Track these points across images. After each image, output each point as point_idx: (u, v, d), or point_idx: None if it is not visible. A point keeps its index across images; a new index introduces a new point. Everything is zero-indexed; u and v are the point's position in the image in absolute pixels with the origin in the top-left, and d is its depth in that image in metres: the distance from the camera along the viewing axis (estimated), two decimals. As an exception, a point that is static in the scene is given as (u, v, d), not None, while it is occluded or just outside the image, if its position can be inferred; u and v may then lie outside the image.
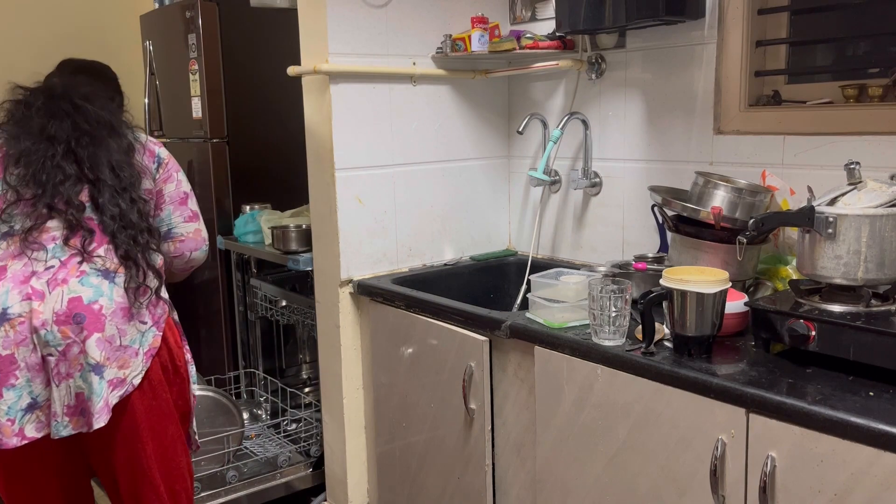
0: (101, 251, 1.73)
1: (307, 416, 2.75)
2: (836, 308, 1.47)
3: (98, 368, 1.66)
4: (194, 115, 3.24)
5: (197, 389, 1.97)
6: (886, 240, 1.46)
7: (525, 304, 1.90)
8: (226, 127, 3.19)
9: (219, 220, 3.21)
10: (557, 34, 2.33)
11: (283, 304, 2.96)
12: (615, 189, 2.35)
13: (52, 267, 1.69)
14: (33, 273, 1.67)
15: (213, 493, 2.43)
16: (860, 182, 1.54)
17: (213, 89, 3.15)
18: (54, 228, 1.72)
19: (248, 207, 3.12)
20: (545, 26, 2.45)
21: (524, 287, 1.92)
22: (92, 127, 1.80)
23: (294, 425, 2.79)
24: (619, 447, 1.59)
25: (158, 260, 1.85)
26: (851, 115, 1.80)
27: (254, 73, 3.21)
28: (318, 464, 2.65)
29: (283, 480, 2.59)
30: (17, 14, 4.80)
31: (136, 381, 1.72)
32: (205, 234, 2.01)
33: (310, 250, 2.54)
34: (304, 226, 2.73)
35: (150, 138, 1.94)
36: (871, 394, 1.30)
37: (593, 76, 2.35)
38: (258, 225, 2.96)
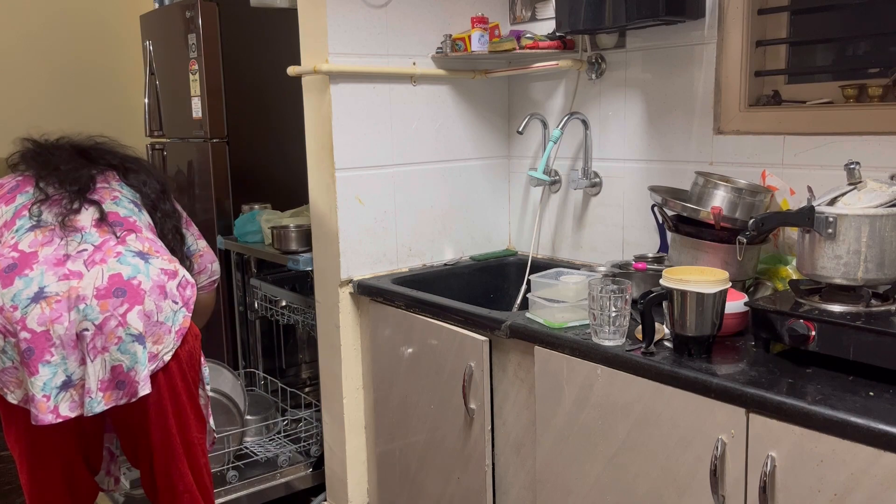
0: (132, 237, 1.84)
1: (307, 415, 2.75)
2: (836, 308, 1.47)
3: (141, 339, 1.72)
4: (194, 115, 3.24)
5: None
6: (886, 240, 1.46)
7: (525, 304, 1.90)
8: (226, 127, 3.19)
9: (219, 220, 3.22)
10: (557, 34, 2.33)
11: (283, 304, 2.96)
12: (615, 189, 2.35)
13: (86, 250, 1.77)
14: (67, 256, 1.74)
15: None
16: (860, 182, 1.54)
17: (213, 89, 3.15)
18: (84, 219, 1.83)
19: (248, 207, 3.12)
20: (545, 26, 2.45)
21: (524, 287, 1.93)
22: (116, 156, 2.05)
23: (294, 425, 2.79)
24: (619, 447, 1.59)
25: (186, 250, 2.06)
26: (851, 115, 1.80)
27: (254, 73, 3.21)
28: (318, 464, 2.65)
29: (283, 480, 2.59)
30: (17, 14, 4.80)
31: (167, 358, 1.78)
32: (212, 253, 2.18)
33: (310, 250, 2.54)
34: (304, 226, 2.73)
35: None
36: (871, 394, 1.30)
37: (593, 76, 2.35)
38: (258, 225, 2.96)
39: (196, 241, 2.14)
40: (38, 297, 1.67)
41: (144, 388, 1.73)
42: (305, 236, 2.69)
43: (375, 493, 2.44)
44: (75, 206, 1.83)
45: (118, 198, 1.93)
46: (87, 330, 1.67)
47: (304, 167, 2.42)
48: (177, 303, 1.81)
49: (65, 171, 1.89)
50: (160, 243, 1.92)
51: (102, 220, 1.84)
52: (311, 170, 2.40)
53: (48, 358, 1.66)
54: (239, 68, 3.19)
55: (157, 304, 1.77)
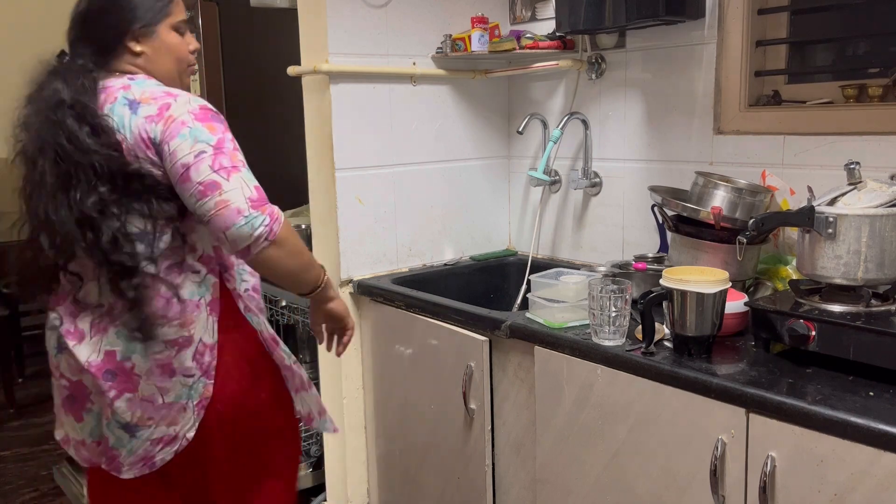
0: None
1: (307, 416, 2.75)
2: (836, 308, 1.47)
3: (130, 428, 1.52)
4: (194, 115, 3.24)
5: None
6: (886, 240, 1.46)
7: (525, 304, 1.90)
8: (226, 127, 3.19)
9: (219, 220, 3.21)
10: (557, 34, 2.33)
11: (283, 304, 2.96)
12: (615, 189, 2.35)
13: (100, 307, 1.52)
14: (78, 307, 1.54)
15: (212, 493, 2.43)
16: (860, 182, 1.54)
17: (213, 89, 3.15)
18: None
19: (248, 207, 3.11)
20: (545, 26, 2.45)
21: (524, 287, 1.92)
22: None
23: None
24: (619, 447, 1.59)
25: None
26: (851, 115, 1.80)
27: (254, 73, 3.21)
28: (318, 464, 2.64)
29: (283, 480, 2.58)
30: (17, 14, 4.80)
31: (190, 435, 1.54)
32: (237, 202, 1.43)
33: (310, 250, 2.54)
34: (303, 226, 2.72)
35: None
36: (871, 394, 1.30)
37: (593, 76, 2.35)
38: (258, 225, 2.96)
39: (198, 205, 1.43)
40: (61, 347, 1.52)
41: (127, 473, 1.53)
42: (305, 236, 2.68)
43: (375, 493, 2.44)
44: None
45: None
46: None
47: (304, 167, 2.42)
48: (190, 376, 1.52)
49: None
50: (166, 298, 1.50)
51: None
52: (311, 170, 2.40)
53: (89, 406, 1.57)
54: (239, 68, 3.19)
55: (159, 387, 1.50)
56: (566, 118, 2.29)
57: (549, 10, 2.43)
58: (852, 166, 1.55)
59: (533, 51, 2.34)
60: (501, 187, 2.70)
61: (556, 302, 1.78)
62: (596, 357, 1.62)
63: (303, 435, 2.70)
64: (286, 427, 1.76)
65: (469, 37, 2.35)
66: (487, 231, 2.68)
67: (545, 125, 2.49)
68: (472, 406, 1.96)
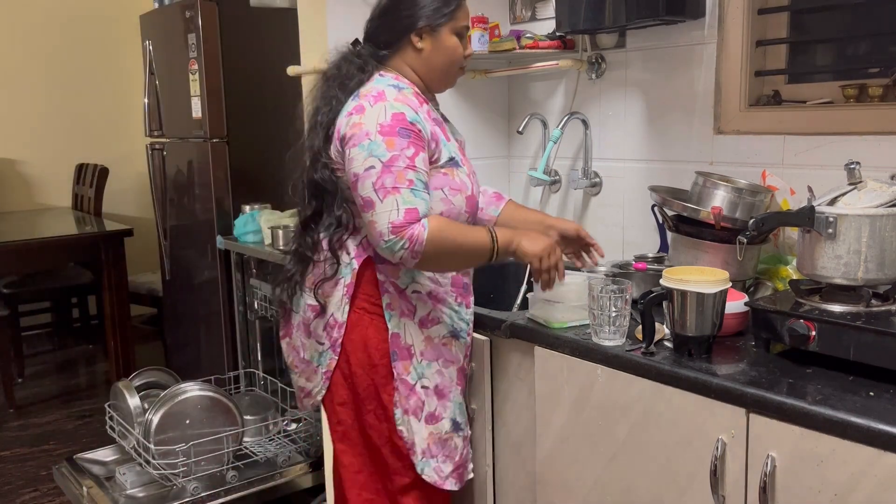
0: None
1: (307, 416, 2.75)
2: (836, 308, 1.47)
3: (292, 369, 1.85)
4: (194, 115, 3.24)
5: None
6: (886, 240, 1.46)
7: (525, 304, 1.90)
8: (225, 127, 3.19)
9: (219, 220, 3.22)
10: (557, 34, 2.33)
11: (283, 304, 2.96)
12: (615, 189, 2.35)
13: None
14: None
15: (212, 494, 2.43)
16: (860, 182, 1.54)
17: (213, 89, 3.15)
18: None
19: (248, 207, 3.11)
20: (545, 26, 2.45)
21: (524, 287, 1.92)
22: None
23: (294, 425, 2.78)
24: (619, 447, 1.59)
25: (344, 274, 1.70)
26: (851, 115, 1.80)
27: (254, 73, 3.21)
28: (318, 464, 2.64)
29: (283, 480, 2.59)
30: (17, 14, 4.80)
31: (319, 398, 1.80)
32: (381, 227, 1.55)
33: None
34: (303, 226, 2.72)
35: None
36: (871, 394, 1.30)
37: (593, 76, 2.35)
38: (258, 225, 2.96)
39: (361, 212, 1.61)
40: None
41: (299, 405, 1.87)
42: (305, 236, 2.68)
43: (375, 493, 2.44)
44: None
45: None
46: None
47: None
48: (322, 343, 1.74)
49: None
50: (323, 267, 1.71)
51: None
52: (311, 170, 2.39)
53: None
54: (239, 68, 3.20)
55: (302, 342, 1.78)
56: (566, 118, 2.29)
57: (549, 10, 2.43)
58: (852, 166, 1.55)
59: (533, 51, 2.34)
60: (501, 187, 2.70)
61: (556, 302, 1.78)
62: (596, 357, 1.62)
63: (303, 435, 2.71)
64: (390, 437, 1.75)
65: (469, 37, 2.34)
66: (487, 231, 2.68)
67: (545, 125, 2.49)
68: (473, 406, 1.95)
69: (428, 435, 1.73)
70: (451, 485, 1.79)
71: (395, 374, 1.70)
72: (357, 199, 1.60)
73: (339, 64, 1.72)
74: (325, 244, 1.71)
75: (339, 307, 1.70)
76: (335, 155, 1.64)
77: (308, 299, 1.74)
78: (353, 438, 1.79)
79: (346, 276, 1.69)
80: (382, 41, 1.71)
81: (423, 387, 1.72)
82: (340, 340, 1.70)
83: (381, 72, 1.70)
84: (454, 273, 1.76)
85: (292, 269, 1.75)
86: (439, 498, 1.81)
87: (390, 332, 1.70)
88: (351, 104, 1.64)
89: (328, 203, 1.69)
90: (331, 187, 1.66)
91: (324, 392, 1.78)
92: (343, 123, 1.62)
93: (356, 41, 1.76)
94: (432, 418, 1.74)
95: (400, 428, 1.72)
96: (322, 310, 1.71)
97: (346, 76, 1.68)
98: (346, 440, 1.80)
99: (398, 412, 1.71)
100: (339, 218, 1.66)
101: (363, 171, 1.56)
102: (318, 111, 1.69)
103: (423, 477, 1.74)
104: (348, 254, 1.69)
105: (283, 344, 1.84)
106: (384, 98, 1.61)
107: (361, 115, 1.60)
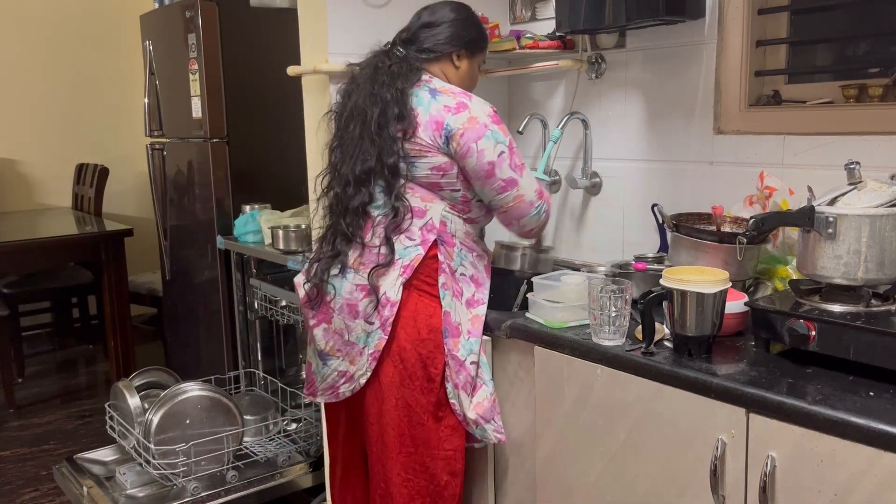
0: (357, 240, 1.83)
1: (307, 415, 2.75)
2: (836, 308, 1.47)
3: (322, 356, 1.85)
4: (194, 114, 3.24)
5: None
6: (886, 240, 1.46)
7: (525, 304, 1.90)
8: (226, 127, 3.18)
9: (219, 220, 3.21)
10: (557, 34, 2.33)
11: (283, 303, 2.96)
12: (615, 189, 2.35)
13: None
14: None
15: (212, 493, 2.43)
16: (860, 182, 1.54)
17: (213, 89, 3.15)
18: None
19: (248, 207, 3.11)
20: (545, 26, 2.45)
21: (524, 287, 1.92)
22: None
23: (294, 425, 2.78)
24: (619, 447, 1.59)
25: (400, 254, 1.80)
26: (851, 115, 1.80)
27: (254, 73, 3.21)
28: (318, 464, 2.64)
29: (283, 480, 2.59)
30: (17, 14, 4.80)
31: (363, 381, 1.80)
32: (530, 196, 1.81)
33: (310, 250, 2.54)
34: (303, 226, 2.73)
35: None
36: (871, 394, 1.30)
37: (593, 76, 2.35)
38: (258, 225, 2.96)
39: (498, 197, 1.80)
40: None
41: (321, 397, 1.87)
42: (305, 236, 2.68)
43: (375, 493, 2.44)
44: None
45: None
46: None
47: (304, 167, 2.42)
48: (371, 323, 1.77)
49: None
50: (377, 249, 1.78)
51: None
52: (311, 170, 2.39)
53: None
54: (239, 68, 3.19)
55: (346, 324, 1.79)
56: (566, 118, 2.29)
57: (549, 10, 2.43)
58: (852, 166, 1.55)
59: (533, 51, 2.34)
60: (501, 187, 2.70)
61: (557, 302, 1.78)
62: (596, 357, 1.62)
63: (303, 435, 2.71)
64: (437, 409, 1.81)
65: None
66: (487, 231, 2.68)
67: (545, 125, 2.49)
68: (472, 406, 1.95)
69: (477, 405, 1.81)
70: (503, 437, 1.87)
71: (447, 349, 1.78)
72: (495, 184, 1.77)
73: (381, 60, 1.85)
74: (380, 230, 1.79)
75: (392, 286, 1.77)
76: (430, 140, 1.75)
77: (357, 280, 1.78)
78: (396, 419, 1.80)
79: (405, 258, 1.78)
80: (426, 48, 1.86)
81: (472, 363, 1.80)
82: (392, 319, 1.76)
83: (428, 74, 1.85)
84: (486, 262, 1.93)
85: (338, 248, 1.81)
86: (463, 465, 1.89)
87: (443, 310, 1.79)
88: (443, 99, 1.77)
89: (384, 191, 1.79)
90: (400, 173, 1.78)
91: (368, 374, 1.79)
92: (448, 119, 1.74)
93: (394, 42, 1.90)
94: (478, 389, 1.83)
95: (452, 401, 1.79)
96: (372, 290, 1.77)
97: (395, 74, 1.80)
98: (386, 418, 1.81)
99: (449, 386, 1.79)
100: (396, 209, 1.77)
101: (497, 156, 1.75)
102: (383, 101, 1.77)
103: (486, 440, 1.84)
104: (410, 238, 1.79)
105: (319, 331, 1.83)
106: (468, 94, 1.82)
107: (468, 111, 1.76)
